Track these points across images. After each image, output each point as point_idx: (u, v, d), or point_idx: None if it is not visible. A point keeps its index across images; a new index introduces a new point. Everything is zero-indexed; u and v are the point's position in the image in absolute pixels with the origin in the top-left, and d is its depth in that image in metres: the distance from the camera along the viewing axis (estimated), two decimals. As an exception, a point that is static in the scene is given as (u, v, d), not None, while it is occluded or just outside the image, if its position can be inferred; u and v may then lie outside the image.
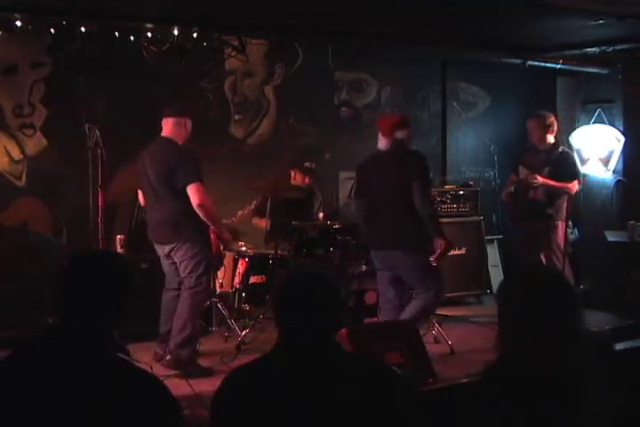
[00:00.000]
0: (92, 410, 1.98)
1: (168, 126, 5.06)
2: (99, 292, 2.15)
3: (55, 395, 2.00)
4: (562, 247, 6.14)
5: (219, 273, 6.20)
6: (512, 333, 2.24)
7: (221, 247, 5.74)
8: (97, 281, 2.16)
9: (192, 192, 4.85)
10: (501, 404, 2.11)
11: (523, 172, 6.25)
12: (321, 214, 6.41)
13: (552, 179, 6.09)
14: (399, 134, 5.08)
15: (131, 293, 2.22)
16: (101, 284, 2.16)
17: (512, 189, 6.33)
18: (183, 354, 4.89)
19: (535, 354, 2.16)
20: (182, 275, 5.01)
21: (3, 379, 2.09)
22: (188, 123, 5.10)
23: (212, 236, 5.17)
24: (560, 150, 6.28)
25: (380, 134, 5.16)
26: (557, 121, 6.43)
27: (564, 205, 6.20)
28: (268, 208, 6.06)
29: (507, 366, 2.20)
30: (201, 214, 4.88)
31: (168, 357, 4.99)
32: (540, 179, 6.06)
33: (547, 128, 6.20)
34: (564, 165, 6.17)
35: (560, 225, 6.16)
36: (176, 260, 5.02)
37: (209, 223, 4.99)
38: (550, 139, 6.25)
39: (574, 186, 6.18)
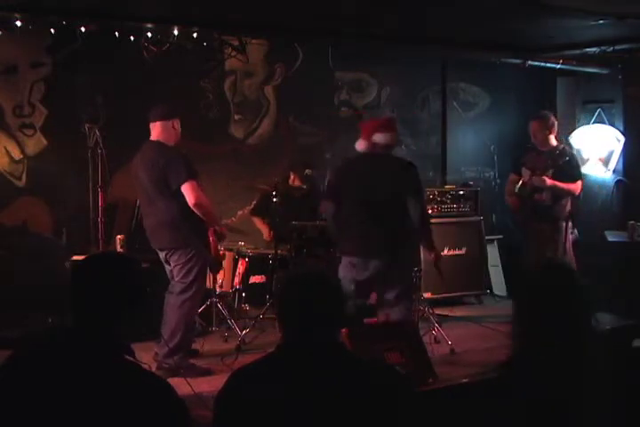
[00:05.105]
0: (97, 411, 1.98)
1: (156, 130, 4.99)
2: (110, 293, 2.15)
3: (61, 395, 2.00)
4: (569, 249, 6.11)
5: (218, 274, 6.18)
6: (526, 332, 2.24)
7: (220, 249, 5.67)
8: (109, 282, 2.16)
9: (187, 191, 4.78)
10: (515, 403, 2.11)
11: (525, 173, 6.20)
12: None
13: (556, 180, 6.04)
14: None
15: (143, 295, 2.22)
16: (113, 285, 2.16)
17: (516, 190, 6.25)
18: (170, 362, 4.81)
19: (549, 354, 2.16)
20: (175, 279, 4.98)
21: (9, 378, 2.09)
22: (176, 124, 5.02)
23: (210, 238, 5.09)
24: (563, 151, 6.21)
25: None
26: (557, 120, 6.41)
27: (567, 205, 6.19)
28: (268, 205, 6.04)
29: (521, 366, 2.20)
30: (198, 212, 4.83)
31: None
32: (549, 181, 6.00)
33: (549, 129, 6.18)
34: (569, 167, 6.12)
35: (563, 226, 6.13)
36: (171, 264, 5.00)
37: (206, 220, 4.92)
38: (552, 140, 6.23)
39: (578, 187, 6.18)
